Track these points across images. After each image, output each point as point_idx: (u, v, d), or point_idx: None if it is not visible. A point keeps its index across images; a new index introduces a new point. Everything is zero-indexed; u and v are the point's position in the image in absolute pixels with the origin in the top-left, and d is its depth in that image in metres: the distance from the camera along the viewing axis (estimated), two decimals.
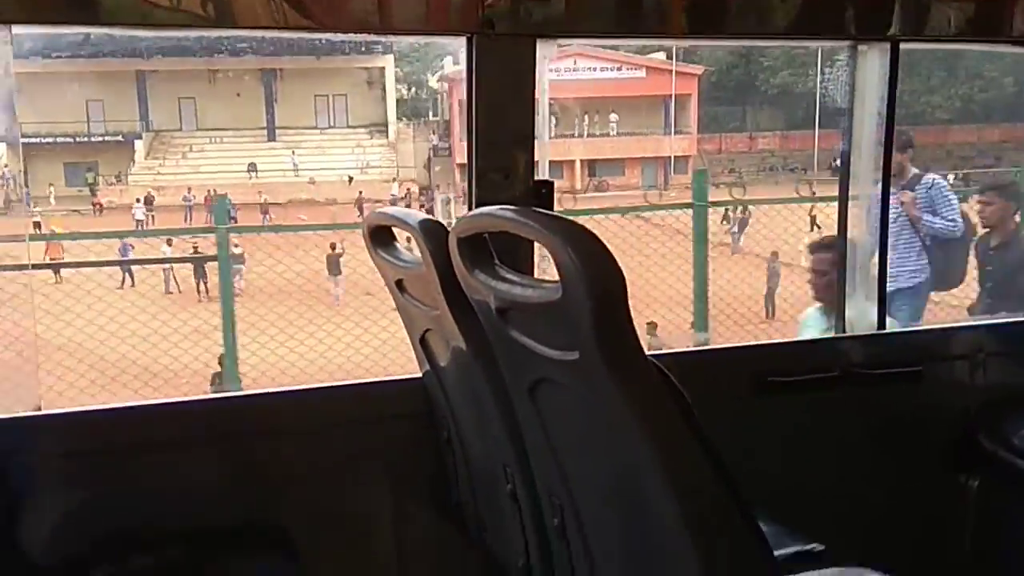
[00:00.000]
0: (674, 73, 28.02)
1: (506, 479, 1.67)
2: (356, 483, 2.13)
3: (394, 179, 22.82)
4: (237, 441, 2.05)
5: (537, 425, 1.49)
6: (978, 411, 2.58)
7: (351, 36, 1.93)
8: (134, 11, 1.66)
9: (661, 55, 30.31)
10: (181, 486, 1.99)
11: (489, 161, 2.01)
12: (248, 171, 20.44)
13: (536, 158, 2.00)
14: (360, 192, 20.24)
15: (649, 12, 2.07)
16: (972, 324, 2.83)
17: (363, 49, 28.40)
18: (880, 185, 2.47)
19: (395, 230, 1.88)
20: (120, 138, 24.17)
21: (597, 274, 1.17)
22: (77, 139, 23.62)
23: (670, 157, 30.72)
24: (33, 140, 23.67)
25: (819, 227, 11.37)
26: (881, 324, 2.56)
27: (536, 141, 1.92)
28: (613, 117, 30.42)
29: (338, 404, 2.15)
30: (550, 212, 1.43)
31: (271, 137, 25.14)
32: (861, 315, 2.50)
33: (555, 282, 1.25)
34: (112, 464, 1.93)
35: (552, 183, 2.08)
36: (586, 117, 30.26)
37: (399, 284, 1.91)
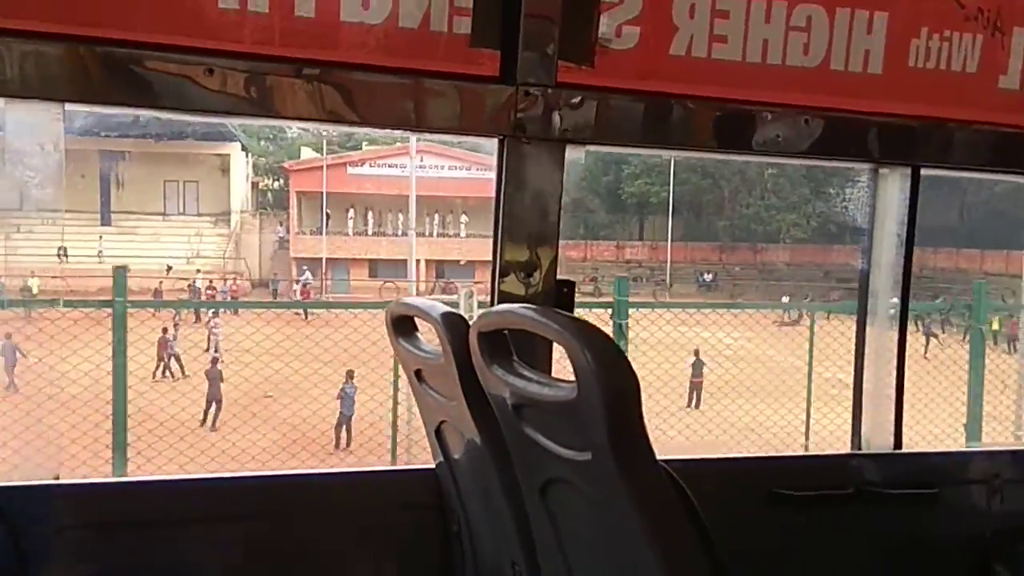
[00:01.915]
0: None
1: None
2: (365, 569, 2.34)
3: (222, 274, 25.84)
4: (246, 521, 2.27)
5: (547, 523, 1.63)
6: (993, 537, 2.82)
7: (386, 131, 2.32)
8: (180, 94, 1.94)
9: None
10: (190, 563, 2.21)
11: (513, 258, 2.21)
12: (58, 255, 22.21)
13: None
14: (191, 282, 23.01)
15: (677, 125, 2.31)
16: (990, 449, 3.15)
17: (208, 135, 31.12)
18: (900, 304, 2.78)
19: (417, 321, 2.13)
20: None
21: (612, 377, 1.32)
22: None
23: None
24: None
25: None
26: (898, 444, 2.84)
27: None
28: (463, 219, 32.43)
29: (350, 489, 2.36)
30: (569, 314, 1.63)
31: (105, 222, 27.55)
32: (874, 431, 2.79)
33: (571, 382, 1.40)
34: (124, 538, 2.16)
35: (573, 283, 2.30)
36: (436, 216, 32.14)
37: (418, 374, 2.11)
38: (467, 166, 32.40)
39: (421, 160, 32.44)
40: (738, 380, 13.67)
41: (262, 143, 34.84)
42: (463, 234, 33.09)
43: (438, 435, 2.19)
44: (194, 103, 2.01)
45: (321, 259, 28.42)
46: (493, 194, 2.32)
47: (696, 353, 15.16)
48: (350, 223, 31.04)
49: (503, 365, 1.67)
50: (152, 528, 2.21)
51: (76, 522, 2.16)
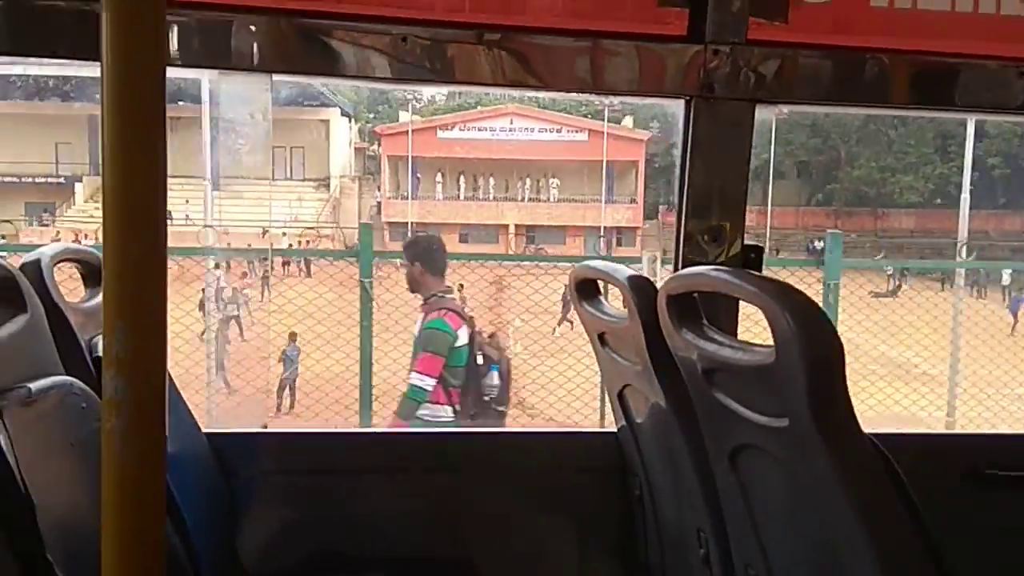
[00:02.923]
0: (605, 137, 31.87)
1: (699, 543, 1.83)
2: (544, 529, 2.40)
3: (315, 237, 26.92)
4: (432, 474, 2.38)
5: (736, 491, 1.62)
6: None
7: (568, 95, 2.36)
8: (375, 62, 2.07)
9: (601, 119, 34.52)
10: (380, 513, 2.33)
11: (698, 223, 2.22)
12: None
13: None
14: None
15: (872, 80, 2.26)
16: None
17: (311, 102, 32.15)
18: None
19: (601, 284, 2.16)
20: (62, 180, 29.28)
21: (814, 339, 1.30)
22: (35, 180, 28.56)
23: (614, 228, 34.75)
24: (10, 179, 28.26)
25: None
26: None
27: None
28: (554, 182, 32.54)
29: (532, 450, 2.44)
30: (765, 275, 1.58)
31: (215, 186, 31.90)
32: None
33: (767, 346, 1.38)
34: (323, 485, 2.32)
35: (762, 248, 2.29)
36: (527, 180, 32.50)
37: (601, 337, 2.15)
38: (558, 128, 32.52)
39: (511, 123, 32.50)
40: None
41: (373, 107, 35.44)
42: (554, 198, 33.02)
43: (620, 399, 2.21)
44: (387, 71, 2.11)
45: (413, 223, 28.81)
46: (678, 156, 2.32)
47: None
48: (439, 187, 31.37)
49: (693, 329, 1.67)
50: (346, 476, 2.36)
51: (277, 468, 2.33)
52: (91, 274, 2.11)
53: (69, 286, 2.00)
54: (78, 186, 29.31)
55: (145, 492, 0.83)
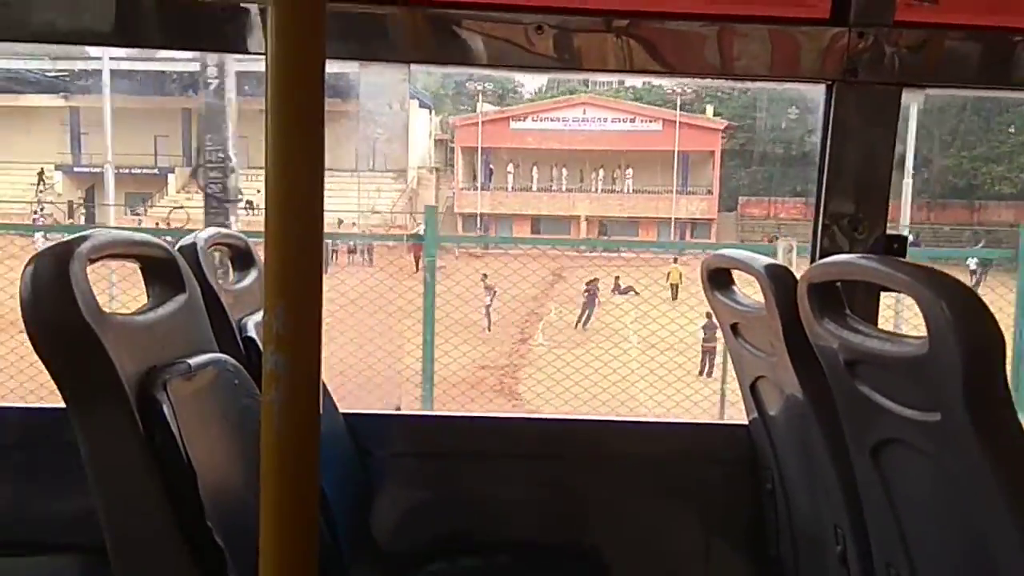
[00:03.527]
0: (676, 125, 30.43)
1: (836, 540, 1.79)
2: (671, 521, 2.39)
3: (387, 227, 27.53)
4: (561, 460, 2.40)
5: (878, 487, 1.58)
6: None
7: (702, 80, 2.34)
8: (508, 51, 2.11)
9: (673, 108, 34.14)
10: (509, 497, 2.37)
11: (839, 211, 2.17)
12: (246, 208, 25.75)
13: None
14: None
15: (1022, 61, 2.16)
16: None
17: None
18: None
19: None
20: (156, 171, 31.00)
21: (971, 330, 1.25)
22: (132, 171, 29.88)
23: (689, 220, 34.35)
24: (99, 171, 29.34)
25: None
26: None
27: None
28: (628, 172, 32.63)
29: (661, 440, 2.43)
30: (916, 263, 1.51)
31: None
32: None
33: (918, 337, 1.34)
34: (455, 468, 2.37)
35: (905, 238, 2.22)
36: (600, 171, 32.13)
37: (734, 328, 2.13)
38: (631, 118, 32.30)
39: (584, 112, 32.36)
40: None
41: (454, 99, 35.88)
42: (628, 189, 32.81)
43: (753, 391, 2.19)
44: (520, 60, 2.16)
45: (486, 215, 28.99)
46: (818, 142, 2.28)
47: None
48: (510, 178, 31.47)
49: (835, 319, 1.64)
50: (476, 460, 2.42)
51: (410, 449, 2.40)
52: (240, 258, 2.21)
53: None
54: (170, 177, 30.95)
55: (300, 461, 0.89)
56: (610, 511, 2.42)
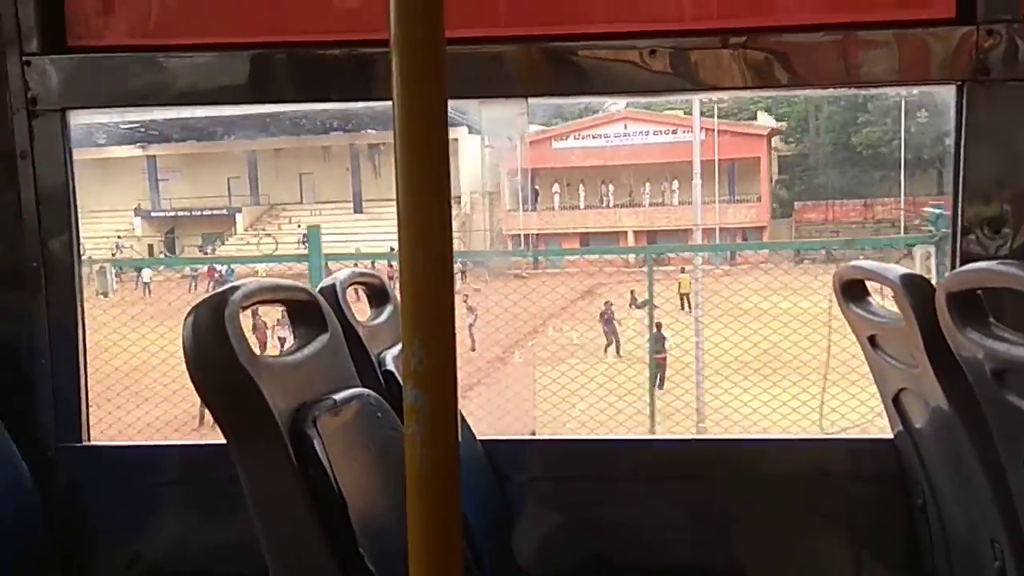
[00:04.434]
0: (709, 131, 30.40)
1: (994, 555, 1.75)
2: (817, 540, 2.36)
3: None
4: (702, 482, 2.37)
5: None
6: None
7: (818, 92, 2.38)
8: (624, 77, 2.12)
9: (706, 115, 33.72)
10: (647, 520, 2.36)
11: (978, 215, 2.11)
12: (299, 243, 25.80)
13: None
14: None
15: None
16: None
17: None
18: None
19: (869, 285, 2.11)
20: (225, 212, 32.95)
21: None
22: (203, 212, 32.44)
23: (739, 229, 34.15)
24: (183, 213, 32.84)
25: None
26: None
27: None
28: (675, 184, 34.32)
29: (802, 457, 2.39)
30: None
31: (357, 209, 32.93)
32: None
33: None
34: (592, 491, 2.38)
35: None
36: (647, 184, 32.42)
37: (871, 340, 2.10)
38: (672, 129, 32.21)
39: (625, 127, 32.34)
40: None
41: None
42: (675, 201, 32.70)
43: (896, 403, 2.15)
44: (636, 84, 2.18)
45: (532, 235, 29.08)
46: (952, 146, 2.23)
47: None
48: (556, 197, 31.53)
49: (979, 328, 1.59)
50: (614, 483, 2.42)
51: (548, 473, 2.43)
52: (376, 295, 2.29)
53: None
54: (238, 216, 32.92)
55: (443, 489, 0.93)
56: (753, 532, 2.39)
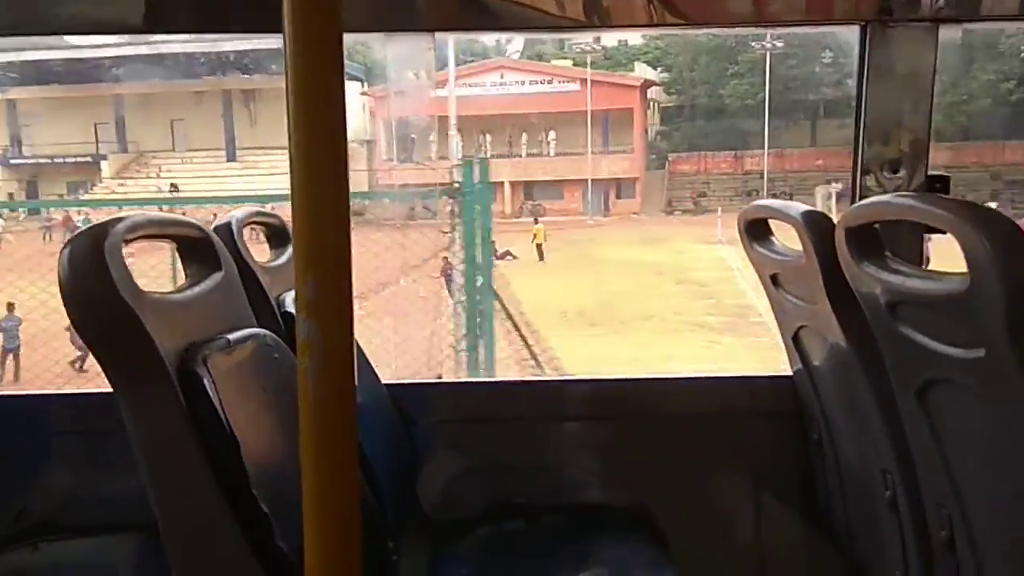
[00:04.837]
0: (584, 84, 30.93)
1: (885, 486, 1.79)
2: (719, 476, 2.41)
3: None
4: (607, 422, 2.41)
5: (925, 429, 1.57)
6: None
7: (731, 30, 2.31)
8: (528, 14, 2.10)
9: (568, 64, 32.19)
10: (553, 460, 2.40)
11: (879, 155, 2.15)
12: (170, 191, 25.63)
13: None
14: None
15: None
16: None
17: None
18: None
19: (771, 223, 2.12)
20: (90, 159, 31.34)
21: (1012, 263, 1.23)
22: (67, 160, 30.84)
23: (614, 180, 34.58)
24: (45, 161, 31.07)
25: None
26: None
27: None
28: (551, 135, 32.41)
29: (705, 395, 2.45)
30: (955, 198, 1.52)
31: (231, 158, 31.67)
32: None
33: (960, 273, 1.31)
34: (499, 434, 2.38)
35: (948, 178, 2.20)
36: (524, 135, 31.86)
37: (774, 279, 2.13)
38: (548, 79, 32.30)
39: (502, 76, 32.22)
40: None
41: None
42: (552, 152, 32.87)
43: (796, 341, 2.18)
44: (547, 21, 2.14)
45: (409, 186, 28.83)
46: (854, 84, 2.25)
47: None
48: (432, 147, 31.23)
49: (875, 262, 1.61)
50: (519, 424, 2.42)
51: (454, 416, 2.41)
52: (276, 235, 2.20)
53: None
54: (103, 164, 31.64)
55: (338, 426, 0.92)
56: (657, 469, 2.42)
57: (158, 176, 29.55)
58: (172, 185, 25.90)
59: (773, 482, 2.43)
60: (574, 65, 32.54)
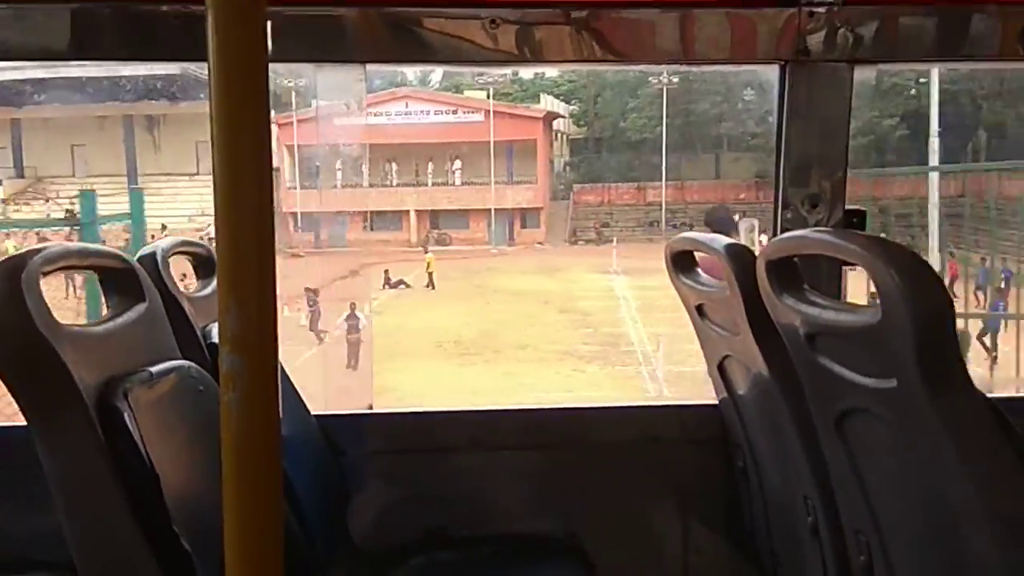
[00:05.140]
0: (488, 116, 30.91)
1: (807, 512, 1.82)
2: (648, 504, 2.43)
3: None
4: (538, 451, 2.41)
5: (844, 456, 1.60)
6: None
7: (653, 68, 2.41)
8: (461, 47, 2.12)
9: (482, 95, 32.11)
10: (484, 490, 2.39)
11: (798, 189, 2.22)
12: (66, 216, 25.60)
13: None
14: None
15: (976, 35, 2.20)
16: None
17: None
18: None
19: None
20: None
21: (922, 297, 1.27)
22: None
23: (519, 210, 34.75)
24: None
25: None
26: None
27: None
28: (456, 164, 33.75)
29: (635, 424, 2.46)
30: (869, 234, 1.59)
31: (132, 182, 29.85)
32: None
33: (872, 307, 1.36)
34: (430, 464, 2.38)
35: (864, 212, 2.26)
36: (430, 164, 31.85)
37: (699, 309, 2.14)
38: (453, 109, 32.47)
39: (406, 106, 32.24)
40: None
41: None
42: (457, 181, 32.96)
43: (721, 370, 2.21)
44: (477, 55, 2.17)
45: (314, 213, 28.57)
46: (775, 122, 2.31)
47: None
48: (338, 175, 30.95)
49: (794, 294, 1.64)
50: (450, 454, 2.41)
51: (385, 447, 2.39)
52: (203, 265, 2.16)
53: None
54: None
55: (262, 460, 0.89)
56: (587, 498, 2.43)
57: (55, 200, 28.69)
58: (68, 211, 25.22)
59: (700, 508, 2.46)
60: (488, 97, 32.77)
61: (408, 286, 22.59)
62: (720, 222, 7.71)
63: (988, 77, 26.87)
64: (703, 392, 2.48)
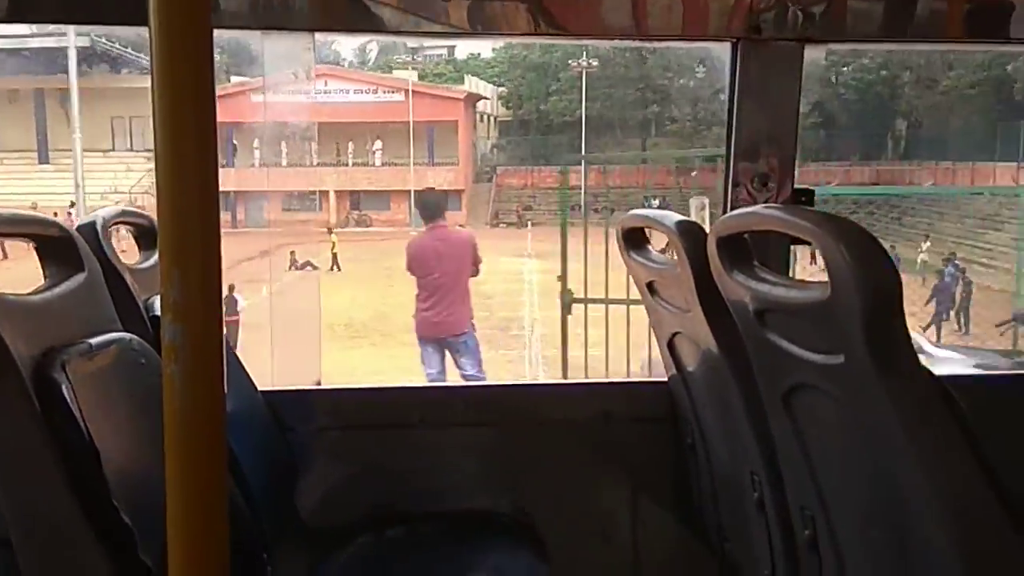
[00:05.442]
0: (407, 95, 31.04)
1: (753, 487, 1.83)
2: (597, 480, 2.42)
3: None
4: (488, 427, 2.40)
5: (790, 432, 1.61)
6: None
7: (604, 42, 2.41)
8: (420, 16, 2.08)
9: (413, 76, 32.84)
10: (433, 467, 2.37)
11: (748, 167, 2.22)
12: None
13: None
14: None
15: (926, 15, 2.21)
16: None
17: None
18: None
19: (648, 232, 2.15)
20: None
21: (870, 273, 1.27)
22: None
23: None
24: None
25: None
26: None
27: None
28: (377, 145, 33.22)
29: (586, 401, 2.46)
30: (819, 210, 1.60)
31: (43, 159, 29.58)
32: None
33: (821, 283, 1.36)
34: (379, 440, 2.35)
35: (812, 191, 2.27)
36: (350, 144, 31.49)
37: (650, 286, 2.14)
38: (373, 89, 32.07)
39: (326, 84, 31.72)
40: None
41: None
42: (377, 162, 32.63)
43: (671, 347, 2.21)
44: (426, 26, 2.15)
45: (231, 193, 28.00)
46: (726, 100, 2.31)
47: None
48: (256, 154, 30.43)
49: (744, 271, 1.64)
50: (399, 431, 2.40)
51: (333, 423, 2.37)
52: (145, 236, 2.09)
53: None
54: None
55: (206, 435, 0.88)
56: (537, 474, 2.43)
57: None
58: None
59: (649, 485, 2.48)
60: (420, 77, 32.45)
61: (315, 267, 22.39)
62: (426, 206, 8.72)
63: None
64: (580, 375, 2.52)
